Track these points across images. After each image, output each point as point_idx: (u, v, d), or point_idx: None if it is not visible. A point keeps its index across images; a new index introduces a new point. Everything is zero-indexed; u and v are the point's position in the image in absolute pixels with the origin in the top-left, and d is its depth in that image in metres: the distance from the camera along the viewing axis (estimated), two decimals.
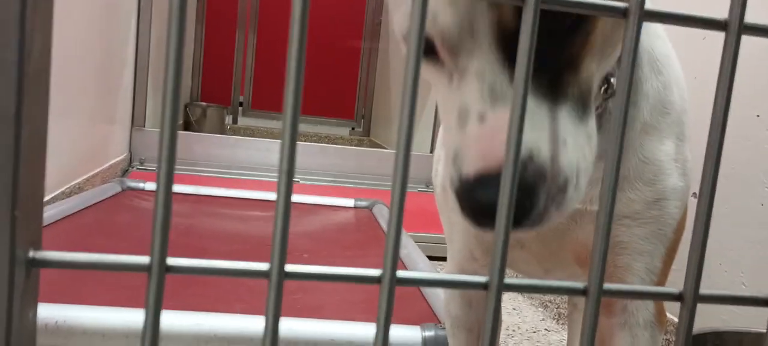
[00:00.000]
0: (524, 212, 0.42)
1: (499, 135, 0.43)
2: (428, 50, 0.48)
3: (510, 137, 0.34)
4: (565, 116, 0.45)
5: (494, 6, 0.45)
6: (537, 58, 0.43)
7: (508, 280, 0.36)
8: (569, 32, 0.46)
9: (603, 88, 0.59)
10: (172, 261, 0.33)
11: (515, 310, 1.62)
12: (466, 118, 0.45)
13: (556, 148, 0.43)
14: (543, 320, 1.60)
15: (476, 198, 0.42)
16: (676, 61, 0.70)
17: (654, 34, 0.69)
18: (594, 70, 0.48)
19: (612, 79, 0.59)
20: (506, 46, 0.45)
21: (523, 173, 0.42)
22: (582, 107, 0.46)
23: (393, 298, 0.35)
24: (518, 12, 0.44)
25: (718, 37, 1.14)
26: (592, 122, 0.47)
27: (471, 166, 0.43)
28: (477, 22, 0.45)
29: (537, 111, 0.44)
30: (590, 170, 0.46)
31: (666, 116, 0.66)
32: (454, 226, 0.76)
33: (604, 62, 0.50)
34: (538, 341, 1.46)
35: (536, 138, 0.43)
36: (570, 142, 0.44)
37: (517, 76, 0.33)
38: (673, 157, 0.65)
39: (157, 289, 0.32)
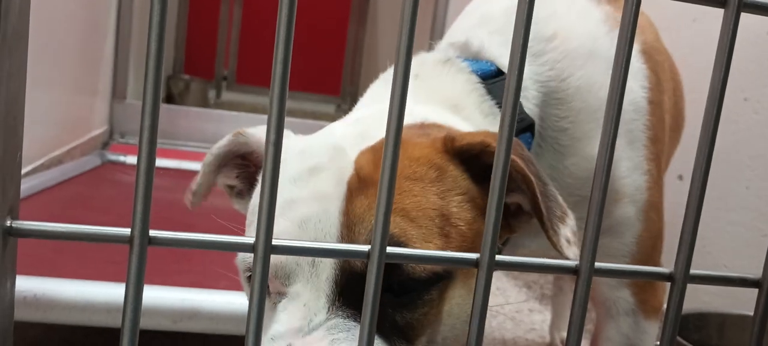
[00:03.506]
0: None
1: None
2: None
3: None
4: None
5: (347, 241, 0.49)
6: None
7: (499, 257, 0.36)
8: (414, 295, 0.49)
9: None
10: (154, 233, 0.32)
11: (499, 290, 1.63)
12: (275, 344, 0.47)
13: None
14: (527, 300, 1.61)
15: None
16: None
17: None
18: (457, 332, 0.51)
19: None
20: (343, 284, 0.48)
21: None
22: None
23: (382, 273, 0.34)
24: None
25: (707, 21, 1.14)
26: None
27: None
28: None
29: None
30: None
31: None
32: None
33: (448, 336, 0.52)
34: (521, 321, 1.47)
35: None
36: None
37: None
38: (615, 190, 0.66)
39: (139, 261, 0.31)
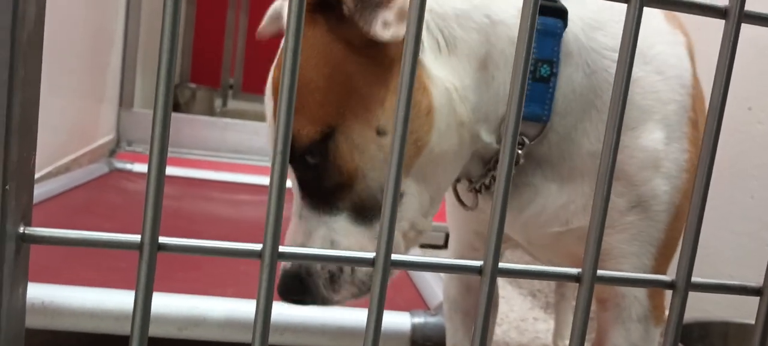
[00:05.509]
0: (291, 293, 0.59)
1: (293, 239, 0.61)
2: None
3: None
4: (341, 222, 0.59)
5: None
6: (306, 187, 0.60)
7: (502, 265, 0.36)
8: (317, 166, 0.58)
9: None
10: (164, 240, 0.32)
11: (504, 299, 1.63)
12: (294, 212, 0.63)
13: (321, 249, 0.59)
14: (531, 309, 1.61)
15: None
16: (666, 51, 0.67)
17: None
18: (369, 176, 0.58)
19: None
20: (296, 166, 0.60)
21: (292, 268, 0.60)
22: (363, 214, 0.59)
23: (387, 280, 0.35)
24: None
25: (712, 29, 1.14)
26: (376, 223, 0.60)
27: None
28: None
29: (309, 221, 0.60)
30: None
31: (648, 106, 0.63)
32: (455, 217, 0.77)
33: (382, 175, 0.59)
34: (525, 330, 1.47)
35: (302, 242, 0.60)
36: (343, 242, 0.59)
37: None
38: (652, 154, 0.63)
39: (149, 268, 0.32)
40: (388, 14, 0.53)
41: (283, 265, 0.61)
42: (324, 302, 0.60)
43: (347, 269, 0.59)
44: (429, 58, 0.59)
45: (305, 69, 0.57)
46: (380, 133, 0.57)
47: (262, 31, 0.78)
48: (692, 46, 0.70)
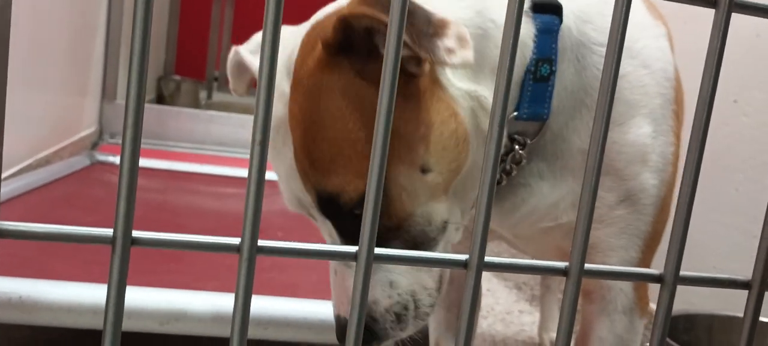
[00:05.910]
0: (367, 342, 0.58)
1: (345, 286, 0.60)
2: None
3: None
4: None
5: (311, 191, 0.58)
6: (352, 237, 0.58)
7: (488, 258, 0.35)
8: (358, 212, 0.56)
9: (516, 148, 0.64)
10: (137, 234, 0.31)
11: (489, 291, 1.63)
12: (331, 268, 0.63)
13: (383, 293, 0.58)
14: (517, 301, 1.61)
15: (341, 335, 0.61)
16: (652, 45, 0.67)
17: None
18: (417, 214, 0.57)
19: (516, 136, 0.64)
20: (330, 215, 0.58)
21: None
22: (417, 244, 0.58)
23: (369, 275, 0.34)
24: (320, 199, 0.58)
25: (700, 22, 1.14)
26: (434, 249, 0.58)
27: (335, 310, 0.62)
28: (305, 201, 0.59)
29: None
30: (433, 288, 0.60)
31: (633, 101, 0.64)
32: None
33: (434, 201, 0.58)
34: (511, 322, 1.47)
35: None
36: (402, 281, 0.58)
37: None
38: (640, 148, 0.63)
39: (122, 262, 0.31)
40: (447, 41, 0.51)
41: (339, 315, 0.60)
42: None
43: (411, 305, 0.58)
44: (447, 74, 0.58)
45: (340, 120, 0.54)
46: (425, 171, 0.56)
47: (238, 90, 0.77)
48: (672, 37, 0.71)
